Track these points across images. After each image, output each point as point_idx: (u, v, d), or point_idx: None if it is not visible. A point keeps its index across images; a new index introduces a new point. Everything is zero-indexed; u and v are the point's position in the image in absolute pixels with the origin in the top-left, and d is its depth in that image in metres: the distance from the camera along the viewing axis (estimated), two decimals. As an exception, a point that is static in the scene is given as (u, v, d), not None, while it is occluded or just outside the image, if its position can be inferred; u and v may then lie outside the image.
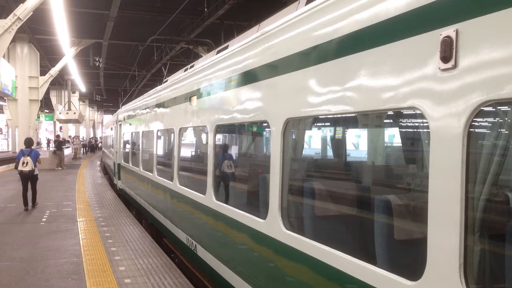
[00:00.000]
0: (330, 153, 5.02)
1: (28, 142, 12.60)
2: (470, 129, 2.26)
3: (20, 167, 11.84)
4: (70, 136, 48.98)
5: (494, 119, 2.61)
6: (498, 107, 2.44)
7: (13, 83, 20.19)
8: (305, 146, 4.80)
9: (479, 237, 2.36)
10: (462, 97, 2.27)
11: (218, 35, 18.14)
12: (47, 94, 30.47)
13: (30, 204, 12.22)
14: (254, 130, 6.00)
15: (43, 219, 10.88)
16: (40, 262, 7.22)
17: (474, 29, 2.23)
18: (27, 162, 11.76)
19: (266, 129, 5.05)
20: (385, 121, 4.01)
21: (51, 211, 11.94)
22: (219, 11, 16.17)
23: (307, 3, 4.89)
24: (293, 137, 4.35)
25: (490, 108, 2.32)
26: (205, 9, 16.90)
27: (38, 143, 37.21)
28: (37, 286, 6.17)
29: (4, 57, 16.46)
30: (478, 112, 2.23)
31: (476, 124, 2.33)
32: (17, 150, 20.16)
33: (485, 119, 2.51)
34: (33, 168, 11.87)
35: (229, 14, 16.79)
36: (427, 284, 2.47)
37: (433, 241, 2.44)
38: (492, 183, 2.40)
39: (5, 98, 22.78)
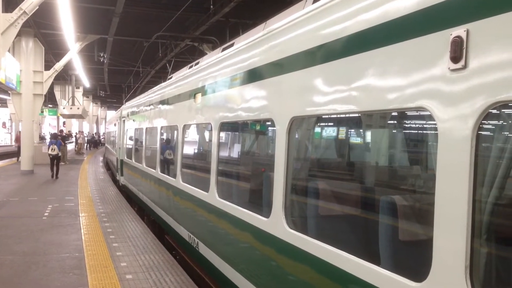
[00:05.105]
0: (335, 152, 4.99)
1: (55, 135, 21.00)
2: (479, 131, 2.24)
3: (49, 151, 19.04)
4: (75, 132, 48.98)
5: (504, 121, 2.58)
6: (508, 109, 2.41)
7: (18, 77, 20.21)
8: (310, 145, 4.77)
9: (485, 240, 2.34)
10: (472, 98, 2.24)
11: (223, 33, 18.10)
12: (51, 89, 30.42)
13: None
14: (258, 128, 5.98)
15: (45, 214, 10.91)
16: (42, 257, 7.23)
17: (485, 29, 2.20)
18: (54, 148, 18.94)
19: (271, 128, 5.02)
20: (392, 121, 3.98)
21: (54, 206, 11.98)
22: (225, 8, 16.14)
23: (314, 1, 4.86)
24: (298, 135, 4.33)
25: (500, 110, 2.29)
26: (211, 7, 16.88)
27: (42, 138, 37.31)
28: (39, 280, 6.18)
29: (9, 51, 16.47)
30: (488, 114, 2.21)
31: (485, 125, 2.30)
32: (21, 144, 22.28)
33: (494, 121, 2.48)
34: (58, 152, 19.18)
35: (234, 12, 16.75)
36: (432, 285, 2.45)
37: (439, 243, 2.41)
38: (500, 185, 2.38)
39: (9, 92, 22.77)
